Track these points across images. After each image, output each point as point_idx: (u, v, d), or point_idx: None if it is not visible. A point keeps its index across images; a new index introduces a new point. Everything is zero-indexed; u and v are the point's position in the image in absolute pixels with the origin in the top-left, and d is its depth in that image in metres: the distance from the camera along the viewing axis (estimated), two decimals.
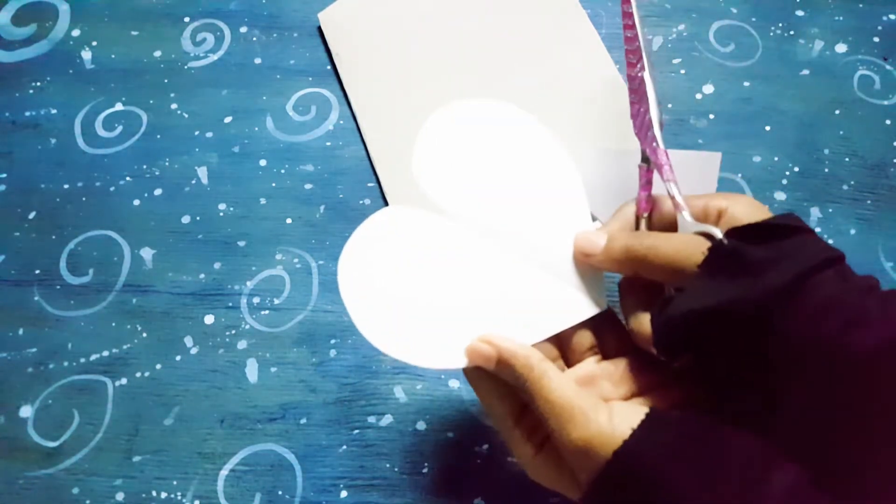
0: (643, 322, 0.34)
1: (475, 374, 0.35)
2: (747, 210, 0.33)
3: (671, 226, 0.36)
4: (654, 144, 0.36)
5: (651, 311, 0.33)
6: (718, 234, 0.32)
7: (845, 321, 0.28)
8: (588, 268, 0.36)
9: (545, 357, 0.33)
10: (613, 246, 0.34)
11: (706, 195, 0.35)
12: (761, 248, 0.30)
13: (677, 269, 0.32)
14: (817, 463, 0.28)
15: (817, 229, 0.53)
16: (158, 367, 0.51)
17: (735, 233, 0.31)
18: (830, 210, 0.54)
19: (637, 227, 0.37)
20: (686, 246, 0.32)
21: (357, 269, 0.37)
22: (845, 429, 0.28)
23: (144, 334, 0.52)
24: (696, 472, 0.28)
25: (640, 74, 0.37)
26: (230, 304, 0.53)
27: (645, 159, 0.37)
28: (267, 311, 0.52)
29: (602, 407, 0.31)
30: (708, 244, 0.31)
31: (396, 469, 0.47)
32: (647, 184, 0.37)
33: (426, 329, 0.35)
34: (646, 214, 0.36)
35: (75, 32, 0.64)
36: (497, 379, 0.34)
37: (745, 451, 0.29)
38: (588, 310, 0.36)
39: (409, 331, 0.35)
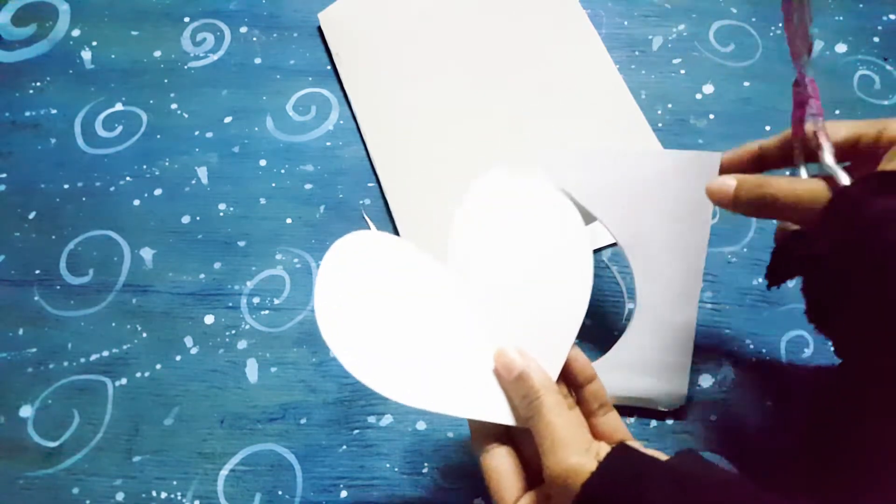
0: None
1: (478, 428, 0.38)
2: None
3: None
4: (810, 74, 0.37)
5: (775, 245, 0.37)
6: (845, 180, 0.32)
7: None
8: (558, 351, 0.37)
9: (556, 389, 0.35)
10: (743, 188, 0.36)
11: (884, 120, 0.35)
12: (889, 199, 0.30)
13: (803, 214, 0.33)
14: None
15: None
16: (158, 367, 0.51)
17: (874, 178, 0.31)
18: None
19: (757, 160, 0.39)
20: (812, 191, 0.33)
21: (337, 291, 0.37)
22: None
23: (144, 334, 0.52)
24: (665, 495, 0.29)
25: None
26: (230, 304, 0.53)
27: (797, 82, 0.37)
28: (267, 311, 0.52)
29: (592, 444, 0.33)
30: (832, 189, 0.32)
31: (396, 469, 0.47)
32: (800, 105, 0.37)
33: (413, 365, 0.36)
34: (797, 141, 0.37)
35: (75, 32, 0.64)
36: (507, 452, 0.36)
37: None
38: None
39: (394, 364, 0.36)
